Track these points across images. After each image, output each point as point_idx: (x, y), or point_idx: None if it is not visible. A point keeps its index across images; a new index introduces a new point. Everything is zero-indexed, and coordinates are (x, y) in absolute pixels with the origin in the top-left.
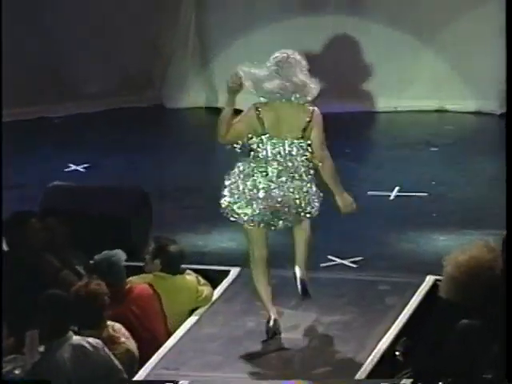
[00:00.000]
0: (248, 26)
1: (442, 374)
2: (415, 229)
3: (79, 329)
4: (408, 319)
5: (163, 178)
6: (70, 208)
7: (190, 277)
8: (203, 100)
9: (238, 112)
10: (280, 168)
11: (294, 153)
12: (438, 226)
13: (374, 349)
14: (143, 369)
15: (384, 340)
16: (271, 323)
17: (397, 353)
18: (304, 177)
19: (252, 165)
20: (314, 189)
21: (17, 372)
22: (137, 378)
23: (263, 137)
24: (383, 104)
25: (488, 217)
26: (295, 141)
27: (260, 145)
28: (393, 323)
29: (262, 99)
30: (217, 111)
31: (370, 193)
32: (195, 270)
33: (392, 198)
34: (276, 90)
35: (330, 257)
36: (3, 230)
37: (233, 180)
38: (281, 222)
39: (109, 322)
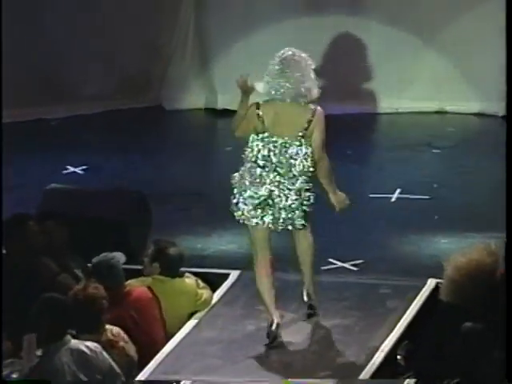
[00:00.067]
0: (248, 26)
1: (443, 376)
2: (417, 231)
3: (77, 333)
4: (409, 322)
5: (162, 179)
6: (68, 211)
7: (190, 280)
8: (203, 101)
9: None
10: (280, 169)
11: (294, 153)
12: (439, 229)
13: (375, 352)
14: (142, 373)
15: (385, 343)
16: (274, 327)
17: (398, 356)
18: (303, 178)
19: (253, 168)
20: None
21: (14, 376)
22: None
23: (262, 135)
24: (384, 105)
25: (490, 220)
26: (296, 142)
27: (260, 145)
28: (394, 327)
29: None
30: (216, 113)
31: (371, 195)
32: (195, 273)
33: (393, 200)
34: (278, 88)
35: (330, 260)
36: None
37: (239, 185)
38: (281, 222)
39: (107, 326)
